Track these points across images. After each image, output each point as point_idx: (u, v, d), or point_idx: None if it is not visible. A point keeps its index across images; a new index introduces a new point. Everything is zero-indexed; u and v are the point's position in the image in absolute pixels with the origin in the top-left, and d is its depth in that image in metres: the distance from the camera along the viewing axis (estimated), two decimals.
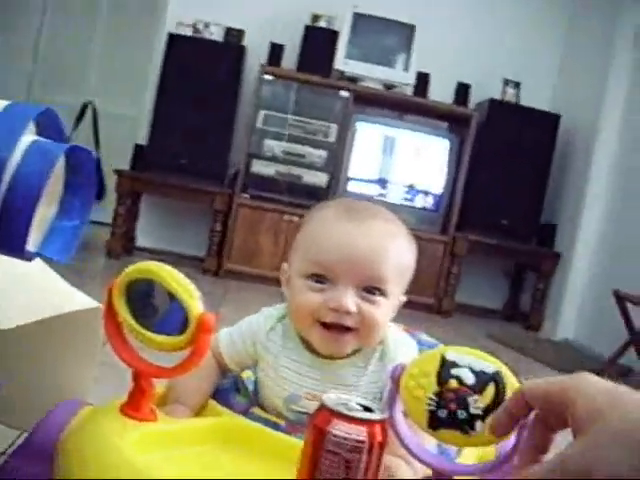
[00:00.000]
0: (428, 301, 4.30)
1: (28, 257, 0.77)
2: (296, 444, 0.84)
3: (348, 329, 0.90)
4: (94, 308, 1.09)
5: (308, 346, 0.95)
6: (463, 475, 0.72)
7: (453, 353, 0.69)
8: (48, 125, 0.77)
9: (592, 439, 0.54)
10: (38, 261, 1.08)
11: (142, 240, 4.58)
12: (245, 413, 0.91)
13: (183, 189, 4.26)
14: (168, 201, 4.56)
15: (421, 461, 0.70)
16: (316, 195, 4.02)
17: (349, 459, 0.65)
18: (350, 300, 0.89)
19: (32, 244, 0.76)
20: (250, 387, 1.00)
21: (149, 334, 0.79)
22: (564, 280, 4.40)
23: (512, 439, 0.67)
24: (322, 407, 0.67)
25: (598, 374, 0.59)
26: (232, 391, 0.97)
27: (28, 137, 0.74)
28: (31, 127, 0.76)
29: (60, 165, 0.77)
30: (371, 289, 0.91)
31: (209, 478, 0.77)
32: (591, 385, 0.58)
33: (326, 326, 0.90)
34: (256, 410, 0.93)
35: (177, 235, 4.64)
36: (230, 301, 3.48)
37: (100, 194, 5.22)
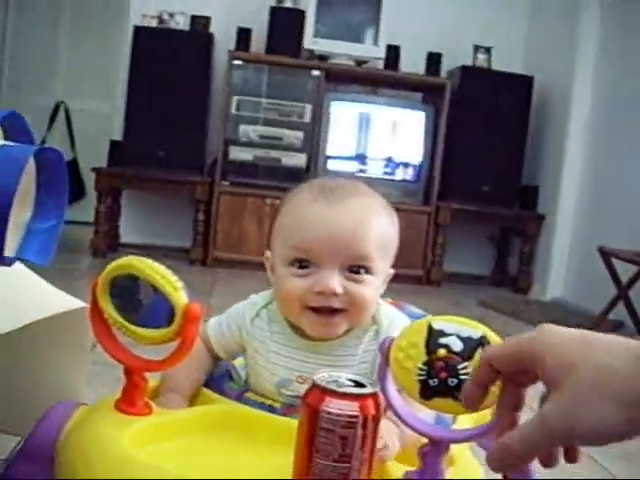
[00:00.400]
0: (417, 273, 4.32)
1: (7, 263, 0.77)
2: (293, 425, 0.84)
3: (337, 311, 0.89)
4: (81, 308, 1.09)
5: (296, 330, 0.94)
6: (459, 441, 0.73)
7: (440, 322, 0.69)
8: (15, 128, 0.77)
9: (570, 394, 0.53)
10: (20, 265, 1.08)
11: (126, 236, 4.56)
12: (239, 399, 0.91)
13: (163, 182, 4.24)
14: (149, 195, 4.54)
15: (416, 431, 0.70)
16: (296, 176, 4.01)
17: (344, 435, 0.65)
18: (336, 282, 0.88)
19: (9, 249, 0.76)
20: (242, 373, 1.00)
21: (136, 329, 0.79)
22: (549, 241, 4.43)
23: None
24: (314, 386, 0.67)
25: (591, 330, 0.58)
26: (225, 378, 0.98)
27: None
28: None
29: (30, 167, 0.77)
30: (356, 268, 0.90)
31: (211, 466, 0.77)
32: (557, 335, 0.57)
33: (315, 310, 0.89)
34: (250, 395, 0.93)
35: (161, 228, 4.62)
36: (220, 290, 3.48)
37: (79, 194, 5.22)
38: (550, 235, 4.43)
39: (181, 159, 4.26)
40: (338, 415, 0.65)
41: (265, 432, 0.83)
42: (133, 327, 0.79)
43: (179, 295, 0.75)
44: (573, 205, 4.36)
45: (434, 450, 0.70)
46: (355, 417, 0.65)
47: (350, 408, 0.65)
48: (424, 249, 4.37)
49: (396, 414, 0.71)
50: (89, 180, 4.57)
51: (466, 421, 0.89)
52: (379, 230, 0.92)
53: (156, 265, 0.77)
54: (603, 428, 0.51)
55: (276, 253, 0.94)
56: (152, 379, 0.87)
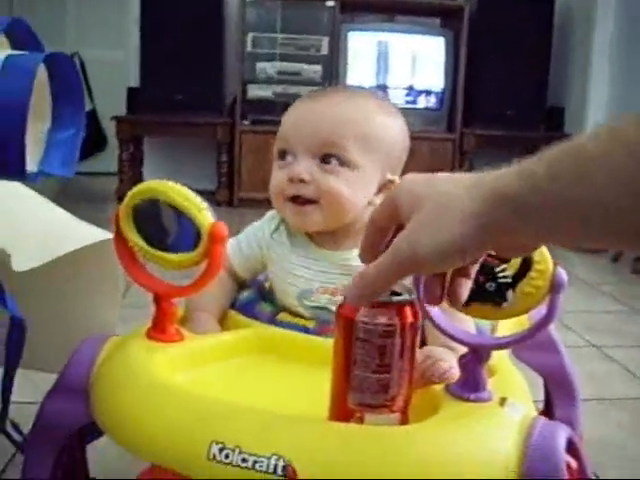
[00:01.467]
0: None
1: (32, 178, 0.75)
2: (328, 344, 0.83)
3: (309, 201, 0.88)
4: (110, 239, 1.07)
5: (313, 240, 0.93)
6: (499, 347, 0.71)
7: None
8: (21, 36, 0.74)
9: (414, 222, 0.56)
10: (46, 200, 1.06)
11: None
12: (271, 321, 0.90)
13: (183, 125, 4.20)
14: (170, 140, 4.51)
15: (454, 339, 0.68)
16: None
17: (382, 345, 0.63)
18: (302, 167, 0.87)
19: (31, 163, 0.74)
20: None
21: (163, 254, 0.77)
22: None
23: (543, 309, 0.66)
24: (346, 299, 0.65)
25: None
26: (256, 301, 0.96)
27: (1, 53, 0.70)
28: (3, 41, 0.73)
29: (42, 76, 0.74)
30: (327, 157, 0.88)
31: (246, 389, 0.77)
32: (409, 179, 0.59)
33: (292, 200, 0.89)
34: (282, 316, 0.91)
35: (185, 172, 4.58)
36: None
37: (101, 145, 5.21)
38: None
39: (200, 101, 4.21)
40: (375, 325, 0.63)
41: (300, 352, 0.82)
42: (159, 253, 0.77)
43: (203, 215, 0.73)
44: (600, 124, 4.26)
45: (474, 358, 0.68)
46: (392, 326, 0.63)
47: (386, 317, 0.63)
48: None
49: (433, 323, 0.69)
50: (109, 130, 4.54)
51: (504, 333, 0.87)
52: (364, 124, 0.89)
53: (178, 187, 0.75)
54: (441, 244, 0.54)
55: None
56: (179, 307, 0.86)
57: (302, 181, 0.87)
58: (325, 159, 0.88)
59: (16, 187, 1.01)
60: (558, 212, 0.50)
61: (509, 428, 0.65)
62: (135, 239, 0.78)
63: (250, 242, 0.97)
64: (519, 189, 0.51)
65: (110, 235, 1.07)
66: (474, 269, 0.62)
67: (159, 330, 0.79)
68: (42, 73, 0.74)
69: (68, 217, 1.06)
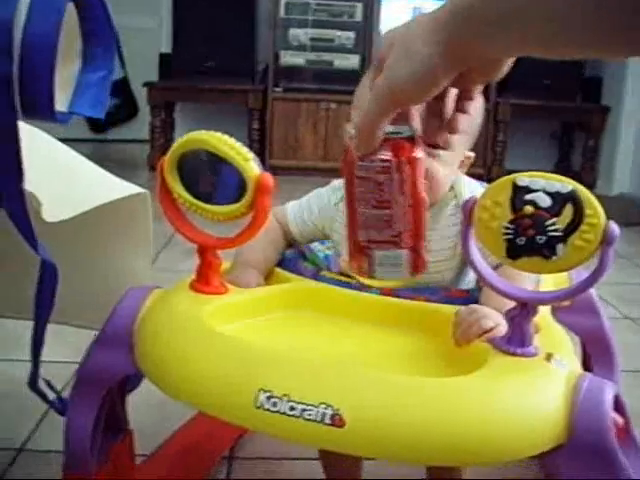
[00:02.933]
0: (477, 171, 4.22)
1: (62, 120, 0.75)
2: (370, 299, 0.83)
3: None
4: (141, 194, 1.07)
5: None
6: (547, 301, 0.70)
7: (525, 178, 0.65)
8: None
9: (389, 61, 0.59)
10: (77, 155, 1.06)
11: None
12: (315, 277, 0.90)
13: (215, 91, 4.20)
14: (201, 106, 4.51)
15: (501, 293, 0.68)
16: (350, 79, 3.90)
17: (379, 181, 0.65)
18: None
19: (61, 104, 0.74)
20: (320, 255, 0.99)
21: (208, 206, 0.76)
22: (614, 134, 4.27)
23: (583, 272, 0.65)
24: (351, 140, 0.65)
25: None
26: (299, 258, 0.96)
27: None
28: None
29: (72, 16, 0.73)
30: (434, 143, 0.85)
31: (292, 340, 0.77)
32: (387, 32, 0.61)
33: None
34: (325, 273, 0.91)
35: None
36: (278, 197, 3.47)
37: (132, 111, 5.21)
38: (615, 128, 4.26)
39: (232, 68, 4.19)
40: (371, 161, 0.65)
41: (344, 307, 0.82)
42: (204, 204, 0.77)
43: (250, 166, 0.73)
44: (639, 96, 4.18)
45: (522, 313, 0.67)
46: (388, 161, 0.64)
47: (382, 153, 0.64)
48: (484, 147, 4.26)
49: (479, 275, 0.68)
50: (141, 97, 4.54)
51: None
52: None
53: (225, 137, 0.74)
54: (412, 71, 0.57)
55: None
56: (225, 261, 0.86)
57: None
58: (431, 144, 0.86)
59: (48, 140, 1.01)
60: (504, 20, 0.52)
61: (556, 383, 0.65)
62: (180, 190, 0.78)
63: (312, 207, 0.97)
64: (467, 1, 0.54)
65: (140, 189, 1.08)
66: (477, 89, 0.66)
67: (203, 282, 0.79)
68: (72, 13, 0.73)
69: (99, 170, 1.06)
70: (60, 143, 1.04)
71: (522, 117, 4.30)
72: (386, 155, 0.64)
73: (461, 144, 0.90)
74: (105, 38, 0.78)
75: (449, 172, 0.89)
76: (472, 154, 0.94)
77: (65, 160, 1.03)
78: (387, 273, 0.69)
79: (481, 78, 0.64)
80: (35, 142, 0.92)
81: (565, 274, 0.94)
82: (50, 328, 0.91)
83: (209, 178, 0.77)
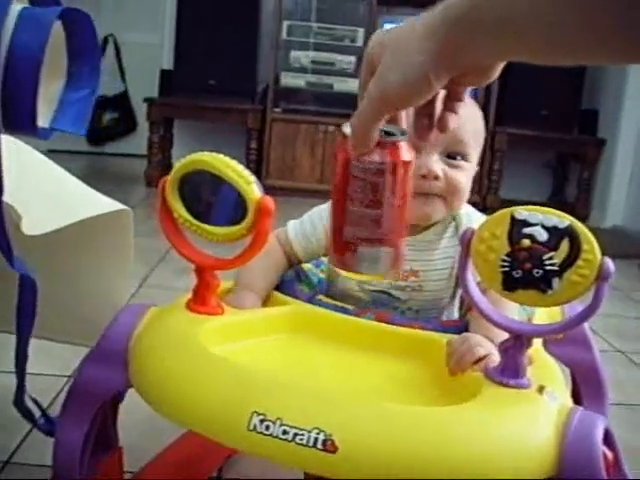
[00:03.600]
0: (472, 199, 4.22)
1: (44, 135, 0.75)
2: (367, 325, 0.83)
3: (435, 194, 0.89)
4: (123, 210, 1.07)
5: None
6: (541, 334, 0.71)
7: (523, 212, 0.66)
8: None
9: (380, 67, 0.60)
10: (61, 169, 1.06)
11: None
12: (310, 301, 0.90)
13: (214, 110, 4.21)
14: (200, 124, 4.52)
15: (496, 324, 0.68)
16: (349, 102, 3.93)
17: (374, 182, 0.66)
18: (437, 165, 0.88)
19: (43, 120, 0.74)
20: (314, 279, 0.99)
21: (208, 227, 0.77)
22: (609, 167, 4.30)
23: (577, 305, 0.66)
24: (344, 137, 0.67)
25: None
26: (295, 281, 0.97)
27: (17, 6, 0.70)
28: None
29: (58, 33, 0.74)
30: (453, 154, 0.89)
31: (285, 363, 0.77)
32: (377, 34, 0.63)
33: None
34: (322, 297, 0.92)
35: None
36: (274, 217, 3.47)
37: (131, 126, 5.23)
38: (610, 160, 4.29)
39: (232, 87, 4.21)
40: (369, 163, 0.66)
41: (339, 332, 0.82)
42: (204, 225, 0.77)
43: (252, 189, 0.73)
44: (635, 129, 4.21)
45: (516, 344, 0.68)
46: (384, 164, 0.66)
47: (379, 156, 0.66)
48: (480, 175, 4.26)
49: (475, 306, 0.69)
50: (140, 112, 4.56)
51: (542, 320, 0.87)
52: (472, 119, 0.91)
53: (227, 159, 0.75)
54: (404, 75, 0.58)
55: None
56: (225, 281, 0.87)
57: (436, 178, 0.88)
58: (451, 155, 0.89)
59: (31, 152, 1.01)
60: (497, 27, 0.53)
61: (548, 415, 0.66)
62: (180, 210, 0.79)
63: (315, 225, 0.97)
64: (460, 8, 0.55)
65: (123, 206, 1.08)
66: (465, 91, 0.67)
67: (200, 302, 0.80)
68: (59, 31, 0.74)
69: (82, 185, 1.06)
70: (43, 156, 1.03)
71: (519, 147, 4.32)
72: (383, 158, 0.66)
73: (475, 154, 0.92)
74: (91, 58, 0.79)
75: (469, 181, 0.92)
76: (477, 167, 0.95)
77: (48, 174, 1.03)
78: (369, 269, 0.71)
79: (472, 82, 0.65)
80: (17, 154, 0.92)
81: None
82: (35, 342, 0.90)
83: (210, 199, 0.77)
